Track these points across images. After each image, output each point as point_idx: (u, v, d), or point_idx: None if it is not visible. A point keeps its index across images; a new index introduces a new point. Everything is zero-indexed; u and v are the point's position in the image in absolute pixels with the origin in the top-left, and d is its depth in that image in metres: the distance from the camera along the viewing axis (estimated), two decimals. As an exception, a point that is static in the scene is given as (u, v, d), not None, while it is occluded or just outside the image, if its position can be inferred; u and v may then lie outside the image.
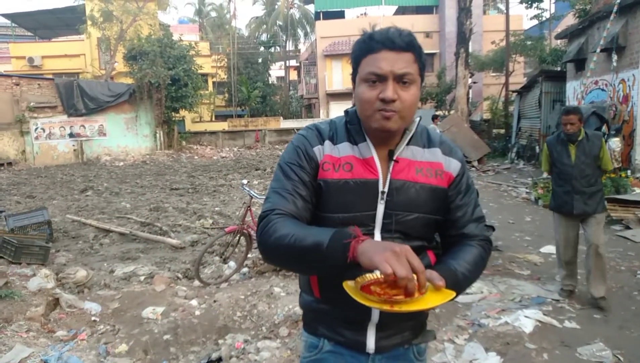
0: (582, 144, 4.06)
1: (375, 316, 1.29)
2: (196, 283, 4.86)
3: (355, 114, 1.32)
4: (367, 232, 1.26)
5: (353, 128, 1.32)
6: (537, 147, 14.54)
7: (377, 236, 1.27)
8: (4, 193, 11.80)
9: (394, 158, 1.28)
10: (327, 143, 1.31)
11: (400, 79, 1.19)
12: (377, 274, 1.04)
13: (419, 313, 1.36)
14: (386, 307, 1.03)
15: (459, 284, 1.18)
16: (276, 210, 1.23)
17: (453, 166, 1.34)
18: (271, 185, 1.32)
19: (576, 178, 4.06)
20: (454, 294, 1.09)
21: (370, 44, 1.20)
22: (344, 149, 1.29)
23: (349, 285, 1.10)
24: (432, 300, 1.06)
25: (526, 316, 3.72)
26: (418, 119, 1.32)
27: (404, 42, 1.18)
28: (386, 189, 1.26)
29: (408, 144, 1.30)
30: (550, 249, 5.66)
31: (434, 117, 13.78)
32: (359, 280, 1.07)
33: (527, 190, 9.76)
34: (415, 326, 1.38)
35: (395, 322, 1.33)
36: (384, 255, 0.99)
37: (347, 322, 1.33)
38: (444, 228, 1.37)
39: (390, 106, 1.19)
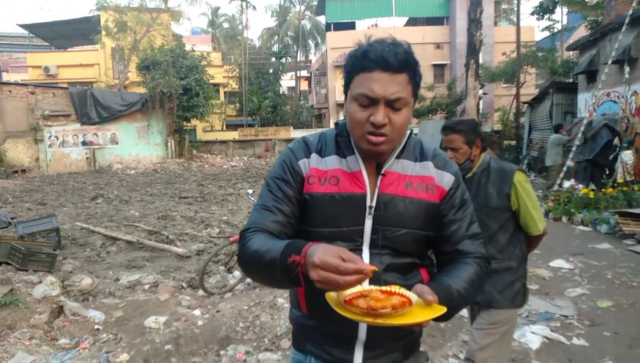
0: (472, 183, 2.34)
1: (362, 334, 1.25)
2: (200, 292, 4.85)
3: (345, 127, 1.29)
4: (355, 248, 1.23)
5: (342, 141, 1.29)
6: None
7: (366, 251, 1.24)
8: (16, 200, 11.97)
9: (382, 172, 1.25)
10: (314, 155, 1.28)
11: (392, 104, 1.16)
12: (360, 287, 0.99)
13: (409, 333, 1.30)
14: (369, 320, 0.97)
15: (453, 301, 1.13)
16: (252, 228, 1.22)
17: (446, 179, 1.29)
18: (256, 201, 1.31)
19: None
20: (444, 309, 1.04)
21: (363, 62, 1.16)
22: (331, 162, 1.27)
23: (331, 297, 1.05)
24: (420, 314, 1.01)
25: (533, 333, 3.64)
26: (408, 131, 1.28)
27: (399, 62, 1.14)
28: (374, 204, 1.23)
29: (398, 157, 1.27)
30: (560, 263, 5.56)
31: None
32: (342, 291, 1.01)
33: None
34: (405, 346, 1.32)
35: (384, 341, 1.27)
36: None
37: (334, 339, 1.28)
38: (437, 245, 1.32)
39: (379, 130, 1.17)
